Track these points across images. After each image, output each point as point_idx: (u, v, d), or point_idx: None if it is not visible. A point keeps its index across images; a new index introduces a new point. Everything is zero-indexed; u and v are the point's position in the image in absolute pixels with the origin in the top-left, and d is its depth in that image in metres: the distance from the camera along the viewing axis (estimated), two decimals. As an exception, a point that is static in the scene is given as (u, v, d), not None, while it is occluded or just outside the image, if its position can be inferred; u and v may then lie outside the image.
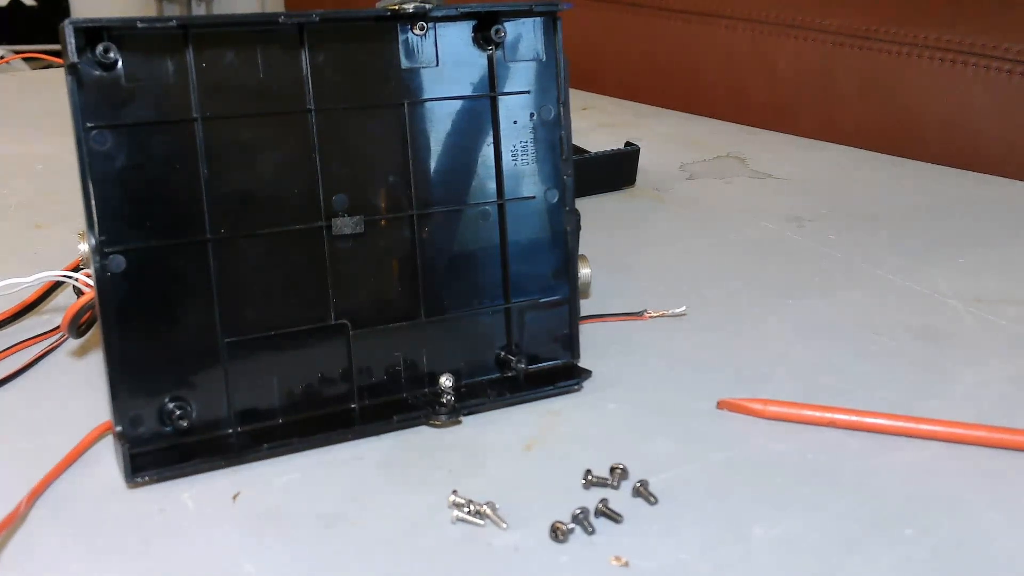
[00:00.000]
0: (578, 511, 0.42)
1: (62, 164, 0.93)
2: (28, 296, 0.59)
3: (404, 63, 0.49)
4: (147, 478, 0.44)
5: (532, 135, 0.52)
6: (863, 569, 0.39)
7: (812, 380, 0.54)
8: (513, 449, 0.48)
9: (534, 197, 0.52)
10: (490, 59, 0.51)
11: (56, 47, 0.45)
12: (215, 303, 0.46)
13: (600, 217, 0.80)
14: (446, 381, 0.50)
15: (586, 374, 0.53)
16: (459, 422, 0.50)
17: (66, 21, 0.41)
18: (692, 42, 1.30)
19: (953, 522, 0.42)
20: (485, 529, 0.42)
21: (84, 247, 0.44)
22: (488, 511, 0.42)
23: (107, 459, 0.46)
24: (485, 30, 0.50)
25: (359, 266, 0.49)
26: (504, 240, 0.52)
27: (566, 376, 0.53)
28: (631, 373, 0.54)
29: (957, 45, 1.06)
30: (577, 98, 1.08)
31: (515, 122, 0.52)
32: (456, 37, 0.50)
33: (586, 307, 0.59)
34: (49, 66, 1.51)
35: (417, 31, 0.49)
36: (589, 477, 0.44)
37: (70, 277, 0.48)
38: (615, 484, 0.44)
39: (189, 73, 0.44)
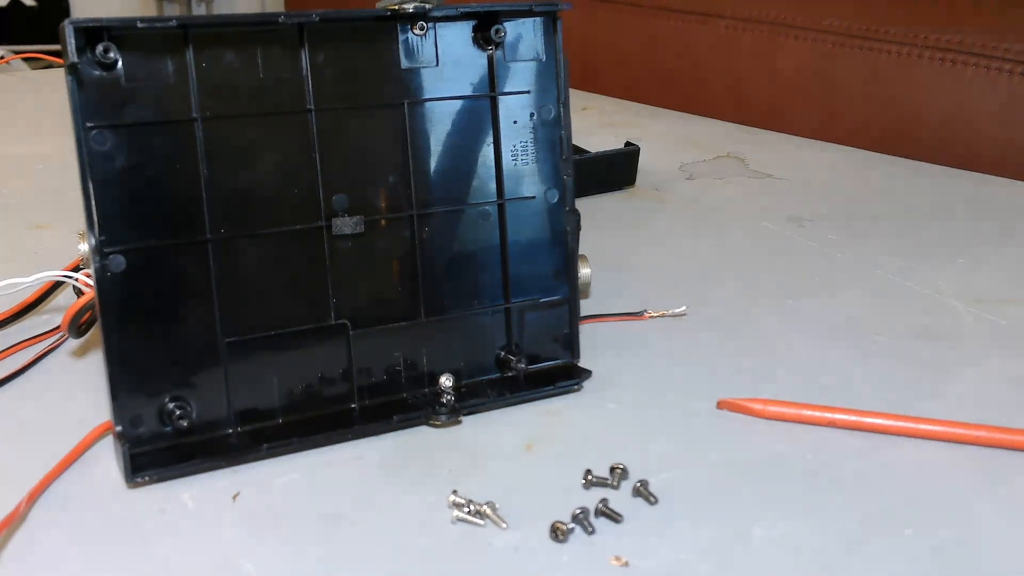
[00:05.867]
0: (578, 511, 0.42)
1: (62, 164, 0.93)
2: (28, 296, 0.59)
3: (404, 63, 0.49)
4: (147, 478, 0.44)
5: (532, 135, 0.52)
6: (863, 569, 0.39)
7: (812, 380, 0.54)
8: (513, 449, 0.48)
9: (534, 197, 0.52)
10: (490, 59, 0.51)
11: (56, 47, 0.45)
12: (215, 303, 0.46)
13: (600, 217, 0.80)
14: (446, 381, 0.50)
15: (586, 374, 0.53)
16: (459, 422, 0.50)
17: (66, 21, 0.41)
18: (692, 42, 1.30)
19: (953, 522, 0.42)
20: (485, 529, 0.42)
21: (84, 247, 0.44)
22: (488, 511, 0.42)
23: (107, 459, 0.46)
24: (485, 30, 0.50)
25: (359, 266, 0.49)
26: (504, 240, 0.52)
27: (566, 376, 0.53)
28: (631, 373, 0.54)
29: (957, 45, 1.06)
30: (577, 98, 1.08)
31: (515, 122, 0.52)
32: (456, 37, 0.50)
33: (586, 307, 0.59)
34: (49, 66, 1.51)
35: (417, 31, 0.49)
36: (589, 477, 0.44)
37: (70, 277, 0.48)
38: (615, 484, 0.44)
39: (189, 73, 0.44)
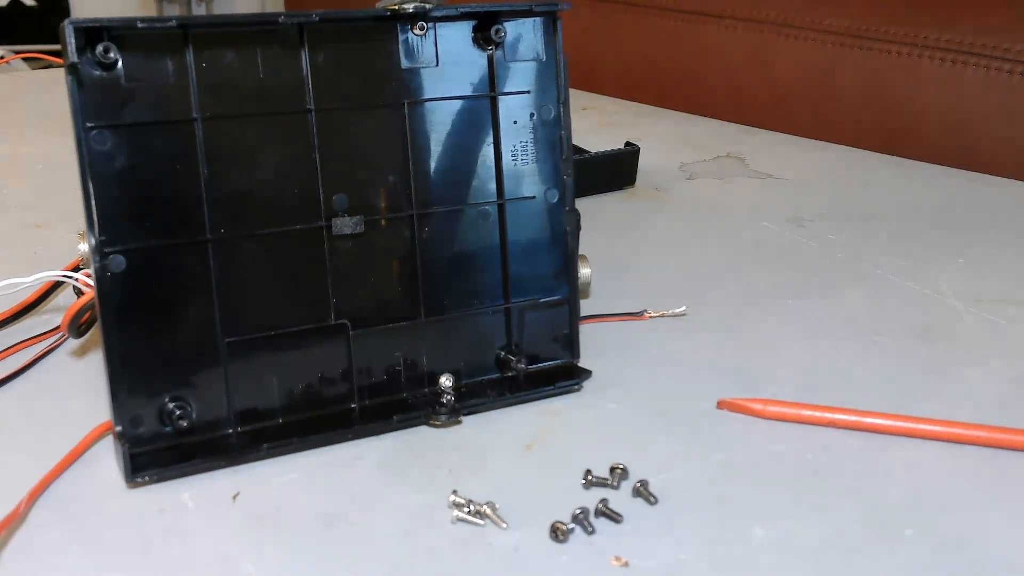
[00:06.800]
0: (578, 511, 0.42)
1: (62, 164, 0.93)
2: (28, 296, 0.59)
3: (404, 63, 0.49)
4: (147, 478, 0.44)
5: (532, 135, 0.52)
6: (863, 569, 0.39)
7: (812, 380, 0.54)
8: (513, 449, 0.48)
9: (534, 197, 0.52)
10: (490, 59, 0.51)
11: (56, 47, 0.45)
12: (215, 303, 0.46)
13: (600, 217, 0.80)
14: (446, 381, 0.50)
15: (586, 374, 0.53)
16: (459, 422, 0.50)
17: (66, 21, 0.41)
18: (692, 42, 1.30)
19: (953, 522, 0.42)
20: (485, 529, 0.42)
21: (84, 247, 0.44)
22: (488, 511, 0.42)
23: (107, 459, 0.46)
24: (485, 30, 0.50)
25: (359, 266, 0.49)
26: (504, 240, 0.52)
27: (566, 376, 0.53)
28: (631, 373, 0.54)
29: (957, 45, 1.06)
30: (577, 98, 1.08)
31: (515, 122, 0.52)
32: (456, 37, 0.50)
33: (586, 307, 0.59)
34: (49, 66, 1.52)
35: (417, 31, 0.49)
36: (589, 477, 0.44)
37: (70, 277, 0.48)
38: (615, 484, 0.44)
39: (189, 73, 0.44)
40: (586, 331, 0.57)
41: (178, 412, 0.45)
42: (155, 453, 0.45)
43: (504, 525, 0.42)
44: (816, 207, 0.84)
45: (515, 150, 0.52)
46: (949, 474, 0.46)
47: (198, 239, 0.45)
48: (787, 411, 0.50)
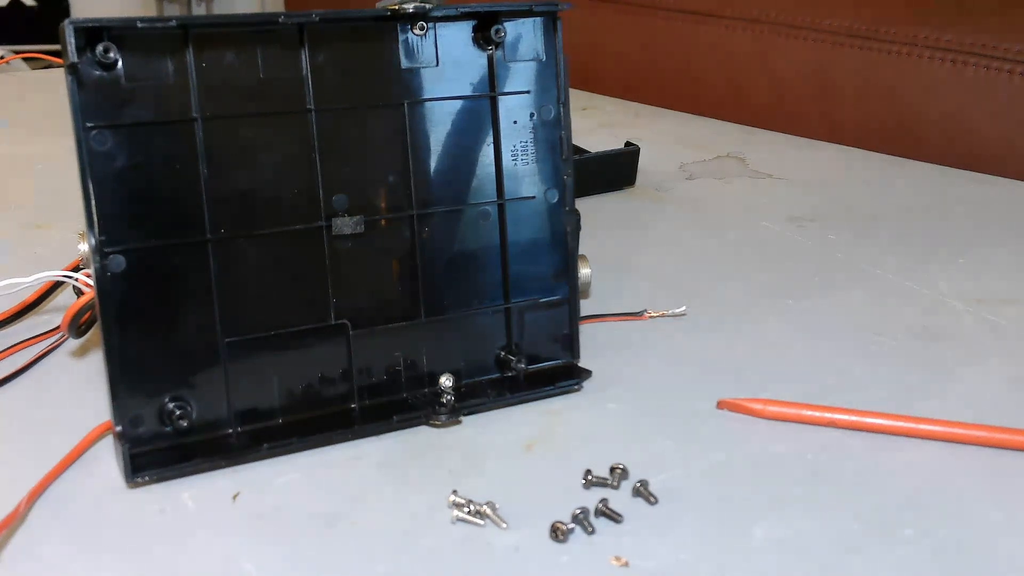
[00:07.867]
0: (578, 511, 0.42)
1: (62, 164, 0.93)
2: (28, 296, 0.59)
3: (404, 63, 0.49)
4: (147, 478, 0.44)
5: (532, 135, 0.52)
6: (863, 569, 0.39)
7: (812, 380, 0.54)
8: (513, 449, 0.48)
9: (534, 197, 0.52)
10: (490, 59, 0.51)
11: (56, 47, 0.45)
12: (215, 303, 0.46)
13: (600, 217, 0.80)
14: (446, 381, 0.50)
15: (586, 374, 0.53)
16: (459, 422, 0.50)
17: (66, 21, 0.41)
18: (692, 42, 1.30)
19: (953, 522, 0.42)
20: (485, 529, 0.42)
21: (84, 247, 0.44)
22: (488, 511, 0.42)
23: (107, 459, 0.46)
24: (485, 30, 0.50)
25: (359, 266, 0.49)
26: (504, 240, 0.52)
27: (566, 376, 0.53)
28: (631, 373, 0.54)
29: (957, 45, 1.06)
30: (577, 98, 1.08)
31: (515, 122, 0.52)
32: (456, 37, 0.50)
33: (586, 307, 0.59)
34: (49, 66, 1.51)
35: (417, 31, 0.49)
36: (589, 477, 0.44)
37: (70, 277, 0.48)
38: (615, 484, 0.44)
39: (189, 73, 0.44)
40: (586, 331, 0.57)
41: (178, 412, 0.45)
42: (155, 453, 0.45)
43: (504, 525, 0.42)
44: (816, 207, 0.84)
45: (515, 150, 0.52)
46: (949, 474, 0.46)
47: (198, 239, 0.45)
48: (787, 411, 0.50)
